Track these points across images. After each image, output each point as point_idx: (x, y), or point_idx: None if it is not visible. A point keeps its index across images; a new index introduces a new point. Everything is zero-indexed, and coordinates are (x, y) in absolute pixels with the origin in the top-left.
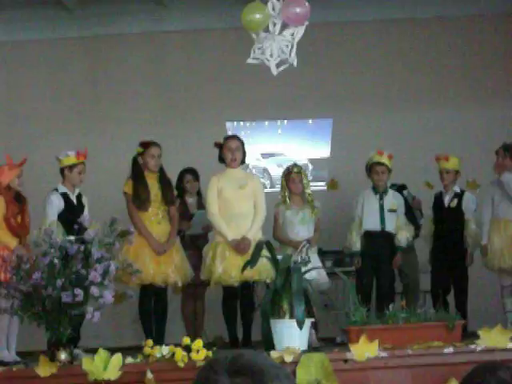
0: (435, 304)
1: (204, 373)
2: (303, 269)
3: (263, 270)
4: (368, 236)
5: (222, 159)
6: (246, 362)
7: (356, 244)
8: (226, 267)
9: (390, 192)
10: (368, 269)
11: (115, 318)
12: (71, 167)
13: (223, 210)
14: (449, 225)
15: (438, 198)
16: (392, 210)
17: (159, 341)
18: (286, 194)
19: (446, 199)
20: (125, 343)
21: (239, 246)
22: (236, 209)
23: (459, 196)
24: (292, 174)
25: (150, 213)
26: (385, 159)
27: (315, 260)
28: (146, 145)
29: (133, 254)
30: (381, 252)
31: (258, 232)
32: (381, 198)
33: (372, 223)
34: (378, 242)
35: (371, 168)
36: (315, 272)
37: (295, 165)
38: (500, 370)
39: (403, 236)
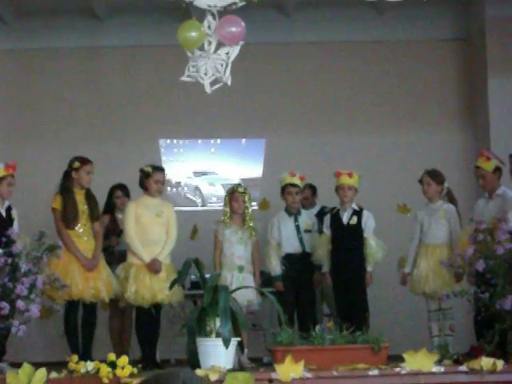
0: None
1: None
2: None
3: (174, 293)
4: (289, 258)
5: (142, 185)
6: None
7: (276, 268)
8: (138, 288)
9: (303, 212)
10: (290, 291)
11: (43, 332)
12: (0, 180)
13: (139, 235)
14: (348, 243)
15: (335, 216)
16: (307, 231)
17: (86, 356)
18: (227, 212)
19: (345, 217)
20: (53, 358)
21: (151, 267)
22: (151, 235)
23: (358, 213)
24: (236, 193)
25: (77, 229)
26: (297, 180)
27: (249, 280)
28: (83, 161)
29: (62, 270)
30: (301, 273)
31: (168, 257)
32: (296, 220)
33: (292, 246)
34: (299, 264)
35: (284, 189)
36: (250, 293)
37: (240, 185)
38: None
39: (319, 254)
